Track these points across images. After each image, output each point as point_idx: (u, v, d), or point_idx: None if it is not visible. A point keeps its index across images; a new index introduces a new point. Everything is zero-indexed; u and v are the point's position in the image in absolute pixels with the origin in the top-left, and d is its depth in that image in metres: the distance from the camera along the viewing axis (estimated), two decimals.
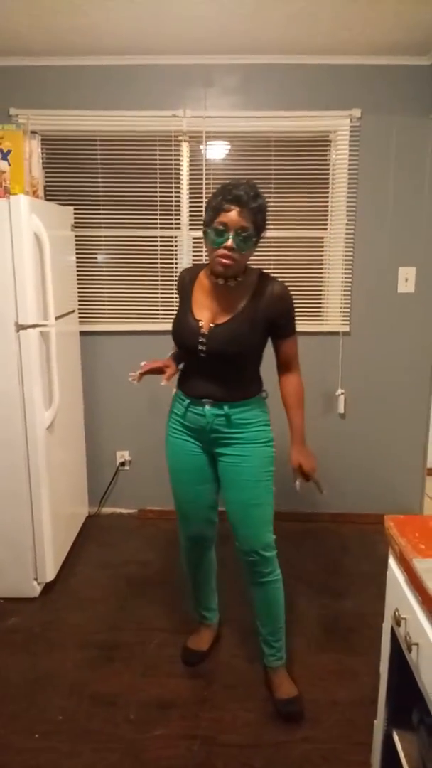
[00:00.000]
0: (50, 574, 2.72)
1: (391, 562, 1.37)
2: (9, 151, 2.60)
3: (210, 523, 2.20)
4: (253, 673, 2.25)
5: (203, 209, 1.98)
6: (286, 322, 1.99)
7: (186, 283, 2.05)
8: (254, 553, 2.03)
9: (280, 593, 2.10)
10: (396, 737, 1.40)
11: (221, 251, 1.82)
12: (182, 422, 2.08)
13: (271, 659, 2.16)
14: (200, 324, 1.93)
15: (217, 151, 3.19)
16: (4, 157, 2.60)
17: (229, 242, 1.80)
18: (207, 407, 1.98)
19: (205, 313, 1.95)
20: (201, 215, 3.14)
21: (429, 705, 1.11)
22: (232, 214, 1.79)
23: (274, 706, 2.08)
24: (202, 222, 1.94)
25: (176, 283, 2.19)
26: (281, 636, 2.14)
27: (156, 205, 3.22)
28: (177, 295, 2.14)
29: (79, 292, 3.25)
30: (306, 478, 2.03)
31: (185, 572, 2.33)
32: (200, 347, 1.92)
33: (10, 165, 2.59)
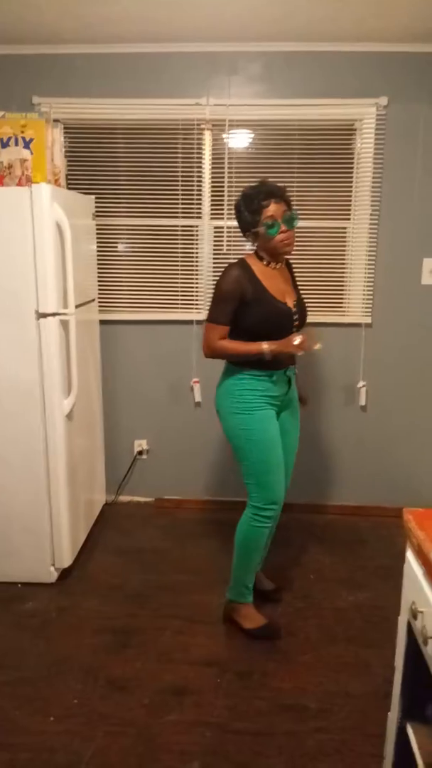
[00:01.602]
0: (67, 560, 2.74)
1: (409, 555, 1.36)
2: (31, 140, 2.60)
3: None
4: (268, 663, 2.25)
5: (239, 216, 2.25)
6: None
7: (246, 281, 2.20)
8: (285, 489, 2.38)
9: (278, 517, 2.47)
10: (410, 730, 1.39)
11: (281, 236, 2.17)
12: (267, 395, 2.28)
13: (259, 565, 2.52)
14: (288, 305, 2.25)
15: (239, 139, 3.17)
16: (27, 146, 2.60)
17: (283, 227, 2.17)
18: (290, 371, 2.34)
19: (280, 295, 2.25)
20: (222, 204, 3.15)
21: None
22: (273, 206, 2.16)
23: (261, 595, 2.57)
24: (241, 225, 2.27)
25: (225, 283, 2.21)
26: (267, 546, 2.53)
27: (177, 194, 3.21)
28: (228, 299, 2.21)
29: (99, 281, 3.26)
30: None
31: (253, 555, 2.36)
32: (295, 322, 2.27)
33: (32, 153, 2.60)
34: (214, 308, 2.24)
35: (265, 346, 2.17)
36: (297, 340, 2.15)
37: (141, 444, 3.51)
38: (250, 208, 2.18)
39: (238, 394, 2.28)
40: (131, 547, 3.09)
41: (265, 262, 2.26)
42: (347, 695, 2.10)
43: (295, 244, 3.10)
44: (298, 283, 2.43)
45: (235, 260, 2.29)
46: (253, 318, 2.21)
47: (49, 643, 2.36)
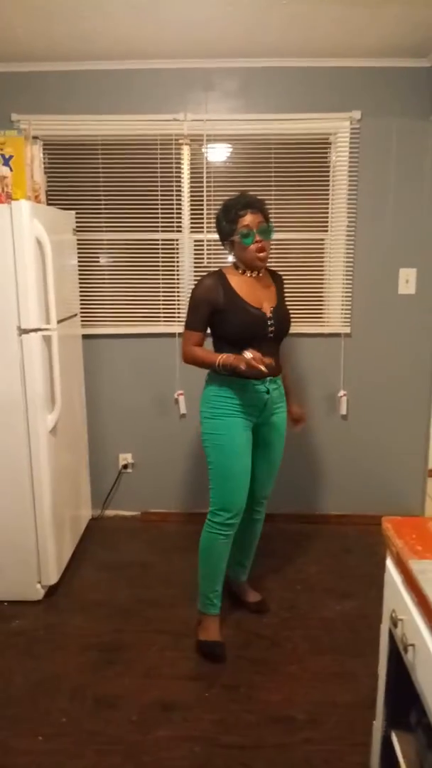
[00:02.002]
0: (53, 577, 2.73)
1: (389, 563, 1.38)
2: (11, 157, 2.61)
3: (246, 497, 2.39)
4: (255, 675, 2.25)
5: (218, 226, 2.31)
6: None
7: (218, 287, 2.26)
8: (264, 498, 2.54)
9: (261, 527, 2.62)
10: (394, 738, 1.40)
11: (255, 246, 2.22)
12: (239, 403, 2.30)
13: (242, 575, 2.69)
14: (262, 310, 2.26)
15: (217, 153, 3.20)
16: (6, 163, 2.61)
17: (258, 237, 2.21)
18: (269, 384, 2.31)
19: (257, 302, 2.27)
20: (201, 218, 3.18)
21: (426, 706, 1.12)
22: (249, 216, 2.21)
23: (246, 607, 2.64)
24: (220, 234, 2.32)
25: (196, 290, 2.28)
26: (252, 557, 2.66)
27: (157, 208, 3.24)
28: (200, 304, 2.27)
29: (81, 296, 3.27)
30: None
31: (209, 562, 2.37)
32: (270, 329, 2.27)
33: (11, 170, 2.60)
34: (188, 315, 2.30)
35: (220, 357, 2.20)
36: (248, 354, 2.09)
37: (126, 458, 3.51)
38: (228, 217, 2.24)
39: (213, 401, 2.32)
40: (118, 561, 3.08)
41: (240, 271, 2.30)
42: (334, 705, 2.11)
43: (274, 255, 3.19)
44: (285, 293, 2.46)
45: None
46: (226, 324, 2.25)
47: (36, 662, 2.34)
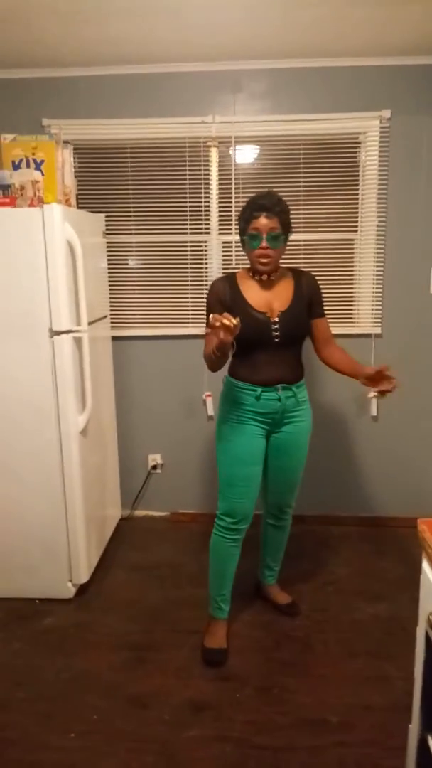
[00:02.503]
0: (84, 576, 2.76)
1: (425, 566, 1.36)
2: (42, 161, 2.65)
3: (254, 503, 2.34)
4: (287, 677, 2.24)
5: (237, 221, 2.26)
6: (320, 302, 2.37)
7: (227, 289, 2.25)
8: (287, 507, 2.51)
9: (287, 533, 2.59)
10: (431, 742, 1.38)
11: (258, 251, 2.17)
12: (252, 410, 2.26)
13: (270, 578, 2.67)
14: (267, 315, 2.21)
15: (246, 155, 3.21)
16: (38, 167, 2.66)
17: (264, 243, 2.15)
18: (280, 391, 2.25)
19: (263, 306, 2.22)
20: (230, 219, 3.19)
21: None
22: (262, 220, 2.14)
23: (277, 609, 2.62)
24: (237, 230, 2.28)
25: (208, 294, 2.30)
26: (280, 561, 2.65)
27: (186, 211, 3.25)
28: (213, 305, 2.25)
29: (110, 298, 3.30)
30: (383, 385, 2.17)
31: (215, 564, 2.38)
32: (275, 334, 2.20)
33: (43, 175, 2.65)
34: (207, 318, 2.20)
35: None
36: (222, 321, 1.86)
37: (155, 458, 3.53)
38: (244, 215, 2.21)
39: (225, 405, 2.33)
40: (147, 561, 3.10)
41: (251, 273, 2.28)
42: (368, 708, 2.08)
43: (303, 255, 3.18)
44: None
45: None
46: None
47: (67, 660, 2.37)
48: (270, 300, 2.24)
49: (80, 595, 2.77)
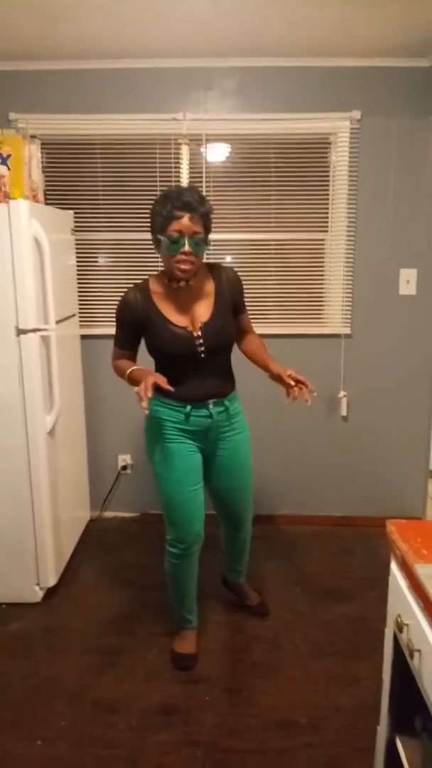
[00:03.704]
0: (52, 579, 2.71)
1: (393, 567, 1.36)
2: (8, 156, 2.59)
3: (203, 521, 2.23)
4: (256, 679, 2.24)
5: (151, 215, 2.03)
6: (242, 300, 2.20)
7: (141, 303, 2.05)
8: (243, 520, 2.41)
9: (249, 538, 2.50)
10: (399, 743, 1.39)
11: (180, 257, 1.94)
12: (181, 428, 2.12)
13: (238, 577, 2.60)
14: (188, 329, 2.03)
15: (217, 153, 3.18)
16: (4, 162, 2.59)
17: (186, 248, 1.92)
18: (211, 407, 2.11)
19: (183, 318, 2.05)
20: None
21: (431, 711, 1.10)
22: (185, 221, 1.91)
23: (247, 610, 2.59)
24: (151, 229, 2.04)
25: (119, 309, 2.09)
26: (246, 561, 2.57)
27: None
28: (124, 324, 2.10)
29: (79, 296, 3.25)
30: (295, 384, 2.00)
31: (174, 585, 2.31)
32: (199, 348, 2.03)
33: (9, 169, 2.58)
34: (116, 332, 2.13)
35: (130, 369, 2.02)
36: (145, 383, 1.82)
37: (125, 459, 3.49)
38: (162, 211, 1.94)
39: (152, 425, 2.16)
40: (116, 563, 3.06)
41: (166, 280, 2.05)
42: (337, 709, 2.09)
43: (274, 256, 3.18)
44: (252, 297, 2.23)
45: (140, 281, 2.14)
46: (153, 342, 2.07)
47: (34, 665, 2.32)
48: (189, 310, 2.05)
49: (48, 598, 2.72)
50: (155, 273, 2.17)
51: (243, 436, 2.26)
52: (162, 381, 1.86)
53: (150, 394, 1.79)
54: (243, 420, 2.27)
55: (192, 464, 2.15)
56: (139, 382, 1.87)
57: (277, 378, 2.05)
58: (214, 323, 2.05)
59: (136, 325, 2.07)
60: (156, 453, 2.16)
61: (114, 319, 2.13)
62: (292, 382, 1.99)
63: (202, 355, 2.04)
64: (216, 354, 2.08)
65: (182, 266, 1.95)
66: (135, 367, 2.03)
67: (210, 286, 2.10)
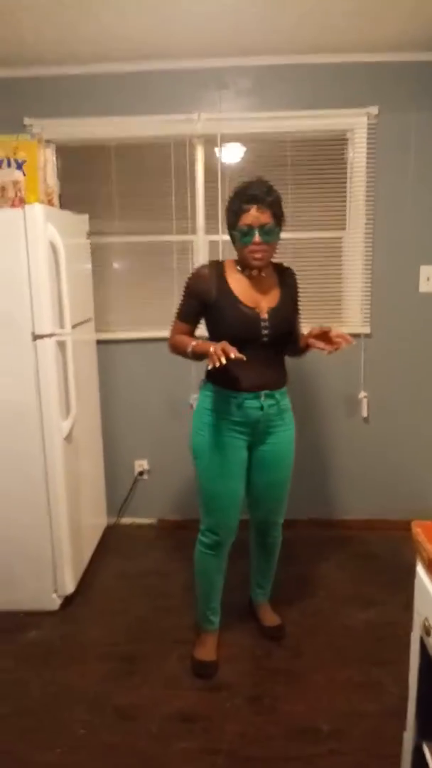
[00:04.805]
0: (70, 587, 2.69)
1: (419, 569, 1.32)
2: (24, 161, 2.60)
3: (238, 516, 2.23)
4: (278, 686, 2.19)
5: (225, 213, 2.13)
6: (298, 300, 2.27)
7: (213, 278, 2.11)
8: (276, 524, 2.38)
9: (278, 549, 2.45)
10: (426, 749, 1.34)
11: (252, 248, 2.03)
12: (231, 419, 2.13)
13: (262, 596, 2.53)
14: (256, 310, 2.08)
15: (232, 153, 3.17)
16: (19, 167, 2.60)
17: (257, 238, 2.01)
18: (263, 399, 2.11)
19: (253, 302, 2.09)
20: (217, 219, 3.15)
21: None
22: (253, 213, 2.00)
23: (261, 631, 2.47)
24: (226, 224, 2.13)
25: (190, 279, 2.15)
26: (271, 578, 2.51)
27: (171, 210, 3.20)
28: (192, 295, 2.14)
29: (95, 300, 3.24)
30: (330, 340, 2.03)
31: (202, 579, 2.30)
32: (264, 332, 2.07)
33: (25, 175, 2.59)
34: (180, 303, 2.18)
35: (193, 343, 2.05)
36: (221, 345, 1.86)
37: (142, 464, 3.47)
38: (232, 207, 2.05)
39: (202, 415, 2.18)
40: (134, 570, 3.03)
41: (240, 267, 2.13)
42: (360, 716, 2.03)
43: (291, 254, 3.14)
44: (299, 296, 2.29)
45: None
46: (218, 321, 2.10)
47: (53, 673, 2.30)
48: (258, 296, 2.11)
49: (66, 606, 2.70)
50: (232, 259, 2.20)
51: (290, 434, 2.26)
52: (233, 350, 1.85)
53: (232, 354, 1.81)
54: (291, 418, 2.27)
55: (239, 459, 2.17)
56: (204, 355, 1.95)
57: (319, 336, 2.06)
58: (281, 310, 2.12)
59: (203, 297, 2.11)
60: (201, 442, 2.17)
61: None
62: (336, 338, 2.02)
63: (265, 339, 2.07)
64: (277, 342, 2.12)
65: (256, 255, 2.04)
66: (198, 341, 2.06)
67: (276, 279, 2.19)
